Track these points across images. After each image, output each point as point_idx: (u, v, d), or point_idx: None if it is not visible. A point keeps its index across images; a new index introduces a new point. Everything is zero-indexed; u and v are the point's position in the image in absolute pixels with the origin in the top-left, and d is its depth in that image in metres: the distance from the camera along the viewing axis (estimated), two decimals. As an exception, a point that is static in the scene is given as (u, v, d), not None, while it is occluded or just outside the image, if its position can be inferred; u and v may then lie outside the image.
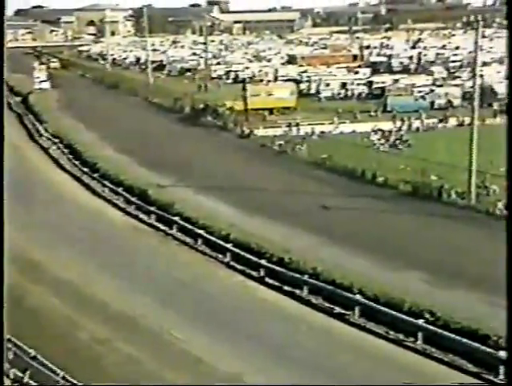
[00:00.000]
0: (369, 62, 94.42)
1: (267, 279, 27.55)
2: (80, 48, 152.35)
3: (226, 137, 57.07)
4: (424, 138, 50.81)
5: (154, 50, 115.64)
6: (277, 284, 27.09)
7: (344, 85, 72.19)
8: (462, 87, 63.60)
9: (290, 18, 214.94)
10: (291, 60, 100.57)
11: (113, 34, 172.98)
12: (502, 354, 19.57)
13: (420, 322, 22.26)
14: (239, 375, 20.44)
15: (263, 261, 28.05)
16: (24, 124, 65.07)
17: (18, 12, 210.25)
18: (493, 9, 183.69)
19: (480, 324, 21.55)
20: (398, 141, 50.46)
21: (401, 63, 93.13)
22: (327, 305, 25.06)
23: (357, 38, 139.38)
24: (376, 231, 32.78)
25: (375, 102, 64.50)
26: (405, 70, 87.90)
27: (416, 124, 55.84)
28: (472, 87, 39.93)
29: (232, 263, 29.38)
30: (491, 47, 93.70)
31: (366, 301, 23.96)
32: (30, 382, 19.15)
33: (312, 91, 73.22)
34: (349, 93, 71.67)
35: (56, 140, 54.98)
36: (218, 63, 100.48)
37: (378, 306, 23.57)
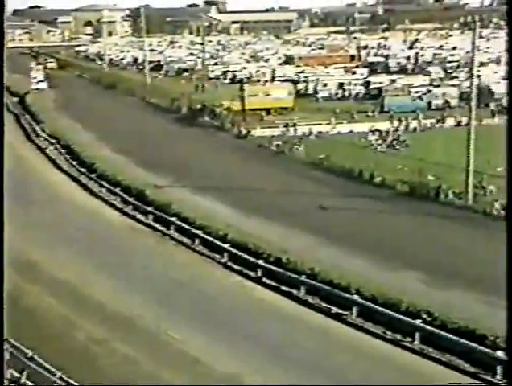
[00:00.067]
0: (367, 62, 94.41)
1: (265, 279, 27.55)
2: (78, 48, 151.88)
3: (223, 137, 57.03)
4: (421, 138, 50.83)
5: (152, 50, 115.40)
6: (274, 284, 27.08)
7: (341, 85, 72.23)
8: (459, 87, 63.56)
9: (287, 18, 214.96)
10: (289, 60, 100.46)
11: (110, 34, 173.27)
12: (500, 354, 19.61)
13: (417, 322, 22.27)
14: (236, 375, 20.43)
15: (261, 262, 28.03)
16: (21, 124, 64.95)
17: (16, 12, 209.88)
18: (490, 9, 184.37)
19: (477, 324, 21.54)
20: (395, 142, 50.48)
21: (398, 63, 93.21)
22: (324, 305, 25.06)
23: (355, 38, 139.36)
24: (373, 231, 32.80)
25: (372, 102, 64.50)
26: (402, 70, 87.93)
27: (413, 124, 55.85)
28: (469, 87, 39.94)
29: (229, 263, 29.38)
30: (488, 48, 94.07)
31: (364, 301, 23.98)
32: (28, 382, 19.12)
33: (310, 91, 73.20)
34: (347, 93, 71.69)
35: (53, 140, 54.96)
36: (216, 64, 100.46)
37: (376, 307, 23.58)
